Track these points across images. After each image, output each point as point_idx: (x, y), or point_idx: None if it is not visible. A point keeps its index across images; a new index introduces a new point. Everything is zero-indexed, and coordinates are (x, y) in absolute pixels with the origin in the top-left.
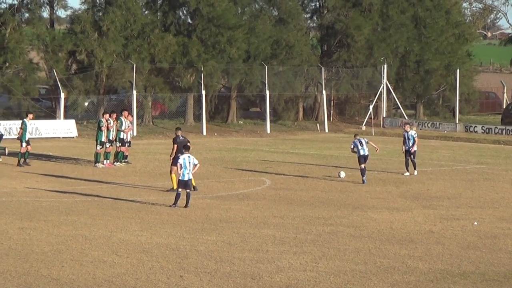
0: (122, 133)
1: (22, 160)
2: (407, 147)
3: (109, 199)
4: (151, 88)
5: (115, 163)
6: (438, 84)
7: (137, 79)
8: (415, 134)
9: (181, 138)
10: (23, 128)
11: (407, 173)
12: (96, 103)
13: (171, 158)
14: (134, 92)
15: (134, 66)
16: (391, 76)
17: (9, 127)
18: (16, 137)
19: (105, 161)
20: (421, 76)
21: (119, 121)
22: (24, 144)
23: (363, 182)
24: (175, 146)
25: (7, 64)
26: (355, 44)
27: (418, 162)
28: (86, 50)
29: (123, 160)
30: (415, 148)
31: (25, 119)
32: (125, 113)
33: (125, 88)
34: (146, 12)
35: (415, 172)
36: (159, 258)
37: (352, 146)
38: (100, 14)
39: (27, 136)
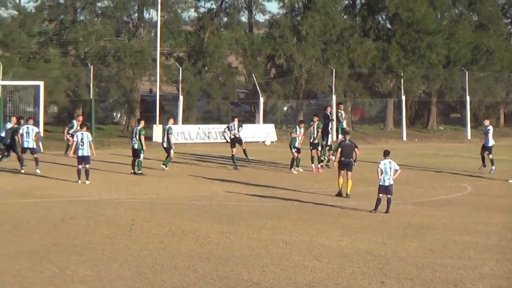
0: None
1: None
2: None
3: (309, 204)
4: (351, 93)
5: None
6: None
7: (336, 84)
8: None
9: (347, 142)
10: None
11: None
12: (295, 108)
13: (336, 162)
14: (334, 97)
15: (334, 71)
16: None
17: (208, 131)
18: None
19: (311, 165)
20: None
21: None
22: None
23: None
24: (340, 149)
25: (206, 68)
26: None
27: None
28: (285, 55)
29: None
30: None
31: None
32: None
33: (324, 93)
34: (345, 16)
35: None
36: (360, 264)
37: None
38: (299, 18)
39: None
